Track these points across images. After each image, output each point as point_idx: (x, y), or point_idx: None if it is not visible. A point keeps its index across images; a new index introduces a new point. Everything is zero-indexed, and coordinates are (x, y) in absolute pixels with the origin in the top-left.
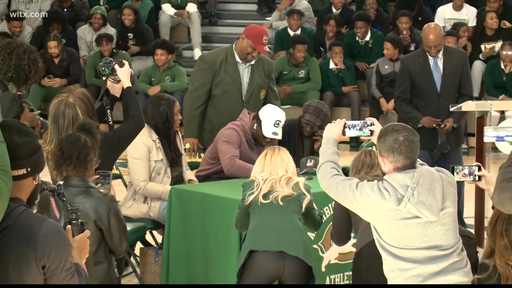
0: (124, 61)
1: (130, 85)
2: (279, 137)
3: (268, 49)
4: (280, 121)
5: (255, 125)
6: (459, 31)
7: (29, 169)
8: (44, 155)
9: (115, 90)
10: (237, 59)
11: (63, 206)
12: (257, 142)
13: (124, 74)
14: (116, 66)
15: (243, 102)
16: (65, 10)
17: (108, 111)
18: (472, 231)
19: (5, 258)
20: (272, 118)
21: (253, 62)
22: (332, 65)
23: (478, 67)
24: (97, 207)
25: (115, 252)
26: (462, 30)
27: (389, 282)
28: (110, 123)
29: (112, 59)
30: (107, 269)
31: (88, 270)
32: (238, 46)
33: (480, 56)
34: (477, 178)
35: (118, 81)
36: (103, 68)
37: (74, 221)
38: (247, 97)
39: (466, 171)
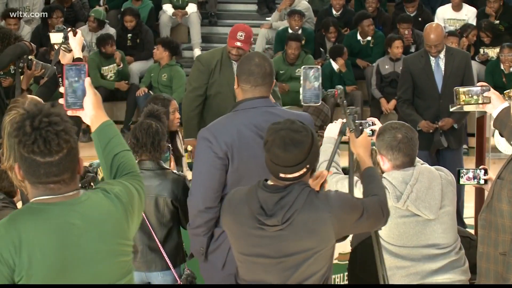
0: (77, 29)
1: (81, 56)
2: None
3: (239, 44)
4: None
5: None
6: (469, 33)
7: (307, 166)
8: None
9: (66, 59)
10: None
11: None
12: None
13: (76, 43)
14: (70, 34)
15: None
16: (65, 10)
17: (60, 79)
18: (472, 231)
19: None
20: None
21: None
22: (335, 66)
23: (473, 66)
24: (173, 187)
25: (186, 228)
26: (473, 34)
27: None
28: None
29: (65, 27)
30: (177, 245)
31: None
32: None
33: (476, 58)
34: (482, 181)
35: (70, 51)
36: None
37: None
38: None
39: (471, 174)
